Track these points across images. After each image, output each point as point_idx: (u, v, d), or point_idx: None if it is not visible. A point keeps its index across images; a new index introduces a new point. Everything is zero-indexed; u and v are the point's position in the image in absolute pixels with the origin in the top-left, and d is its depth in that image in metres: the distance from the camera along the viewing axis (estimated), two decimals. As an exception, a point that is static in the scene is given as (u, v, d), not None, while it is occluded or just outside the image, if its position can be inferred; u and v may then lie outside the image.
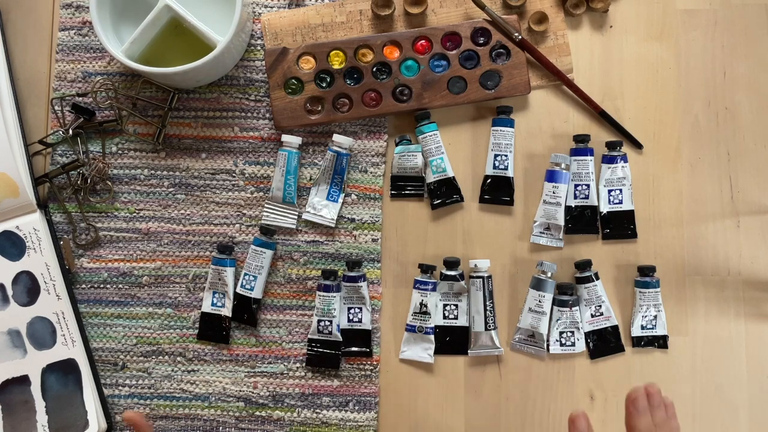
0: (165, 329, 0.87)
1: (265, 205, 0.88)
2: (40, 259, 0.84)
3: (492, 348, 0.86)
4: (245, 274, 0.86)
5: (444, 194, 0.88)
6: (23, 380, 0.83)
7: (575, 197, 0.87)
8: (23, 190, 0.84)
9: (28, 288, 0.84)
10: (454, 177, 0.88)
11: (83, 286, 0.87)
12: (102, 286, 0.87)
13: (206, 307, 0.87)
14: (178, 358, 0.87)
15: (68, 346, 0.84)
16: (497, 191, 0.88)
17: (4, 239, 0.84)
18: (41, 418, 0.82)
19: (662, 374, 0.86)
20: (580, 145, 0.88)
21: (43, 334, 0.84)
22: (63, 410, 0.83)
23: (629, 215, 0.88)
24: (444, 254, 0.88)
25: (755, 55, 0.90)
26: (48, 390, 0.83)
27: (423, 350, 0.86)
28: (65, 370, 0.84)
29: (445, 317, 0.87)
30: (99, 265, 0.88)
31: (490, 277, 0.86)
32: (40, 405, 0.83)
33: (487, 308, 0.85)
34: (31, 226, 0.85)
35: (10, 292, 0.84)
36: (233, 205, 0.88)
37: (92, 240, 0.88)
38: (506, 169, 0.87)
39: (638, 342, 0.86)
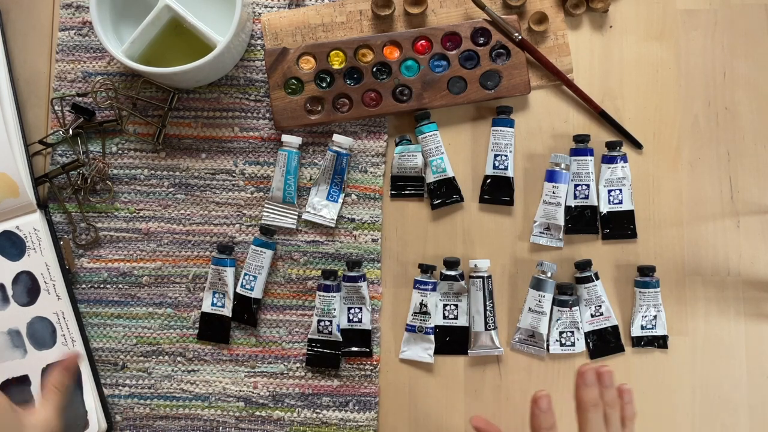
0: (165, 329, 0.87)
1: (265, 205, 0.88)
2: (40, 259, 0.84)
3: (492, 348, 0.86)
4: (245, 274, 0.86)
5: (444, 194, 0.88)
6: (23, 380, 0.83)
7: (575, 197, 0.87)
8: (23, 190, 0.84)
9: (28, 288, 0.84)
10: (454, 177, 0.88)
11: (83, 286, 0.87)
12: (102, 286, 0.87)
13: (206, 307, 0.87)
14: (178, 358, 0.87)
15: (68, 346, 0.84)
16: (497, 191, 0.88)
17: (4, 239, 0.84)
18: None
19: (662, 374, 0.86)
20: (580, 145, 0.88)
21: (43, 334, 0.84)
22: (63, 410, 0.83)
23: (629, 215, 0.88)
24: (444, 254, 0.88)
25: (755, 55, 0.90)
26: None
27: (423, 350, 0.86)
28: None
29: (445, 317, 0.87)
30: (99, 265, 0.88)
31: (490, 277, 0.86)
32: None
33: (487, 308, 0.85)
34: (31, 226, 0.85)
35: (10, 292, 0.84)
36: (233, 205, 0.88)
37: (92, 240, 0.88)
38: (506, 169, 0.87)
39: (638, 342, 0.86)
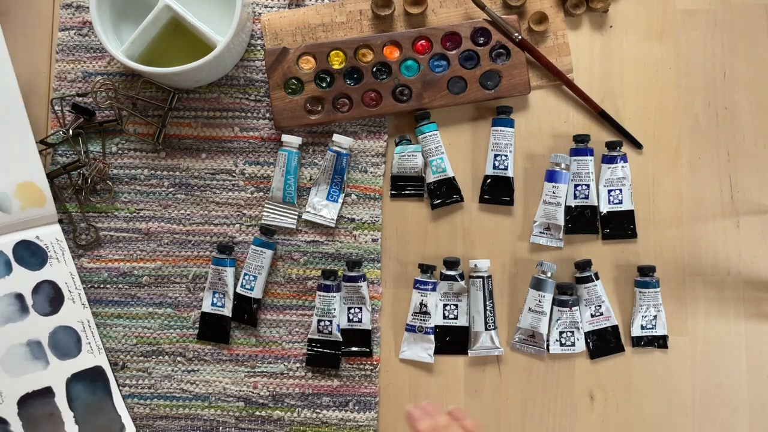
0: (165, 329, 0.87)
1: (265, 205, 0.88)
2: (65, 269, 0.84)
3: (492, 348, 0.86)
4: (245, 274, 0.86)
5: (444, 194, 0.88)
6: (46, 392, 0.81)
7: (575, 197, 0.87)
8: (49, 201, 0.84)
9: (51, 297, 0.83)
10: (454, 177, 0.88)
11: (83, 285, 0.87)
12: (102, 286, 0.87)
13: (206, 307, 0.87)
14: (178, 358, 0.87)
15: (94, 354, 0.83)
16: (497, 191, 0.88)
17: (22, 249, 0.83)
18: (71, 428, 0.81)
19: (662, 374, 0.86)
20: (580, 145, 0.88)
21: (66, 343, 0.82)
22: (95, 418, 0.81)
23: (629, 215, 0.88)
24: (444, 254, 0.88)
25: (755, 55, 0.90)
26: (75, 399, 0.82)
27: (423, 350, 0.86)
28: (92, 378, 0.82)
29: (445, 317, 0.87)
30: (99, 265, 0.88)
31: (490, 277, 0.86)
32: (67, 416, 0.81)
33: (487, 308, 0.85)
34: (53, 236, 0.84)
35: (30, 302, 0.82)
36: (233, 205, 0.88)
37: (92, 240, 0.88)
38: (506, 169, 0.87)
39: (638, 342, 0.86)
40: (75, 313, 0.83)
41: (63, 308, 0.83)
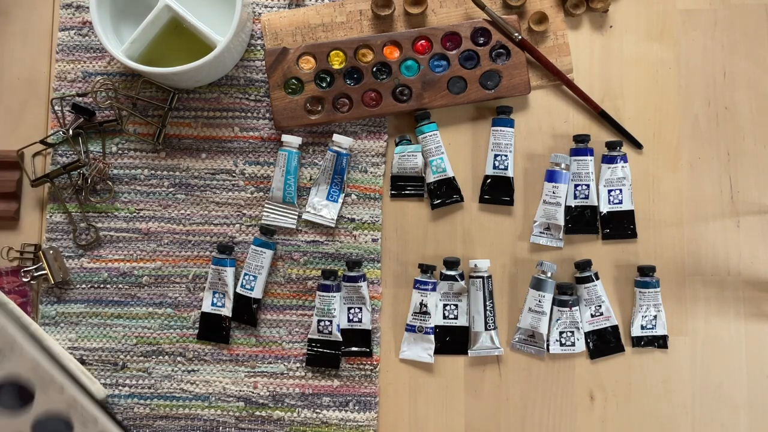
0: (165, 329, 0.87)
1: (265, 205, 0.88)
2: (23, 359, 0.72)
3: (492, 348, 0.86)
4: (245, 274, 0.86)
5: (444, 194, 0.88)
6: None
7: (575, 197, 0.88)
8: None
9: (18, 391, 0.73)
10: (454, 177, 0.88)
11: (83, 286, 0.87)
12: (102, 286, 0.87)
13: (206, 307, 0.87)
14: (178, 358, 0.87)
15: (89, 429, 0.74)
16: (497, 191, 0.88)
17: None
18: None
19: (662, 374, 0.86)
20: (580, 145, 0.88)
21: (56, 426, 0.73)
22: None
23: (629, 215, 0.88)
24: (444, 254, 0.88)
25: (755, 55, 0.90)
26: None
27: (423, 350, 0.86)
28: None
29: (445, 317, 0.87)
30: (99, 265, 0.88)
31: (490, 277, 0.86)
32: None
33: (487, 308, 0.85)
34: None
35: None
36: (233, 205, 0.88)
37: (92, 240, 0.88)
38: (506, 169, 0.87)
39: (638, 342, 0.86)
40: (55, 397, 0.72)
41: (38, 397, 0.72)
